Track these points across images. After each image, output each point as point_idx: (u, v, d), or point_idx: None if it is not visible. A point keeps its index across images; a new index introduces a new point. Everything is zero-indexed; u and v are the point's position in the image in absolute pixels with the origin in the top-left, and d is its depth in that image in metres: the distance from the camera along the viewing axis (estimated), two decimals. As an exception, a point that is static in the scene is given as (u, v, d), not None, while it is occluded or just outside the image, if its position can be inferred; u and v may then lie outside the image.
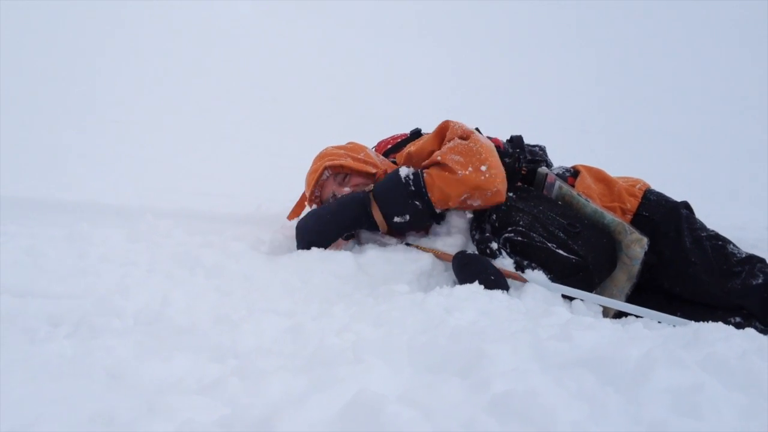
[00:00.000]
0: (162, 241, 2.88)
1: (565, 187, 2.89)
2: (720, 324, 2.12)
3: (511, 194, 2.84)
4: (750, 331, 2.03)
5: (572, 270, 2.67)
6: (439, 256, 2.74)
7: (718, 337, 1.98)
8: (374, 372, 1.36)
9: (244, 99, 6.47)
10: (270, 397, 1.28)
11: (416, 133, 3.23)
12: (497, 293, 2.44)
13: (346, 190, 2.94)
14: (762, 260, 2.73)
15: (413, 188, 2.73)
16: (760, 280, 2.63)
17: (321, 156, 3.05)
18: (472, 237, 2.85)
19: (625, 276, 2.76)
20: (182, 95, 6.25)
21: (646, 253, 2.71)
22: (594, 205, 2.81)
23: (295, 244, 2.84)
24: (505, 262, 2.66)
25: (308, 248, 2.76)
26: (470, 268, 2.55)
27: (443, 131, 2.87)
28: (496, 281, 2.50)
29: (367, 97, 6.98)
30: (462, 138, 2.78)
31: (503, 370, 1.37)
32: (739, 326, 2.42)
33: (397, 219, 2.77)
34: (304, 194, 3.09)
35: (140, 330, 2.03)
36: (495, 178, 2.71)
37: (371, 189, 2.83)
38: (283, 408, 1.13)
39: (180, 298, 2.24)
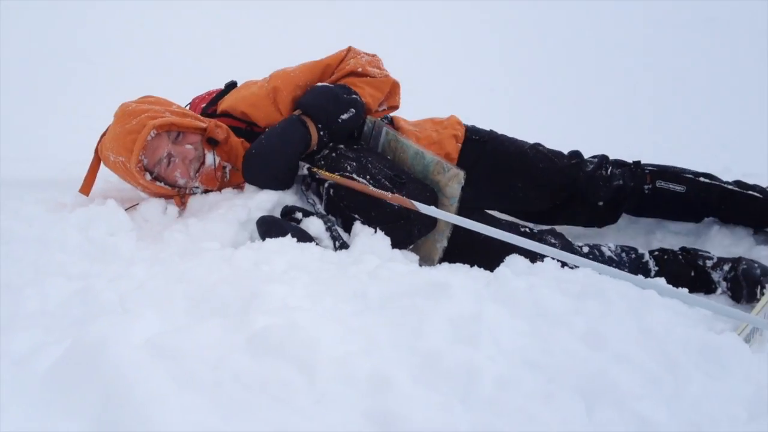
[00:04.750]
0: (-54, 209, 2.61)
1: (392, 133, 2.90)
2: (518, 259, 2.24)
3: (341, 146, 2.82)
4: (544, 266, 2.12)
5: (394, 217, 2.66)
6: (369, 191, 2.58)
7: (515, 271, 2.06)
8: (136, 321, 1.27)
9: (49, 56, 5.94)
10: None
11: (232, 85, 3.08)
12: (311, 246, 2.40)
13: (188, 147, 2.69)
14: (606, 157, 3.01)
15: (344, 87, 2.72)
16: (620, 182, 2.89)
17: (129, 113, 2.74)
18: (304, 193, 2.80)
19: (443, 220, 2.80)
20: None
21: (463, 188, 2.77)
22: (416, 147, 2.83)
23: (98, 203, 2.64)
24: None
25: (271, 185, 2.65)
26: (274, 233, 2.47)
27: (341, 57, 2.89)
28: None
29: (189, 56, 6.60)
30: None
31: (272, 307, 1.32)
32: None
33: (344, 116, 2.68)
34: (94, 162, 2.80)
35: None
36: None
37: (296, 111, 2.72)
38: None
39: (-43, 265, 2.04)
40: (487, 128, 3.09)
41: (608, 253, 2.73)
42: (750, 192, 2.83)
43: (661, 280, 2.24)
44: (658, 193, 2.89)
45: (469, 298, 1.55)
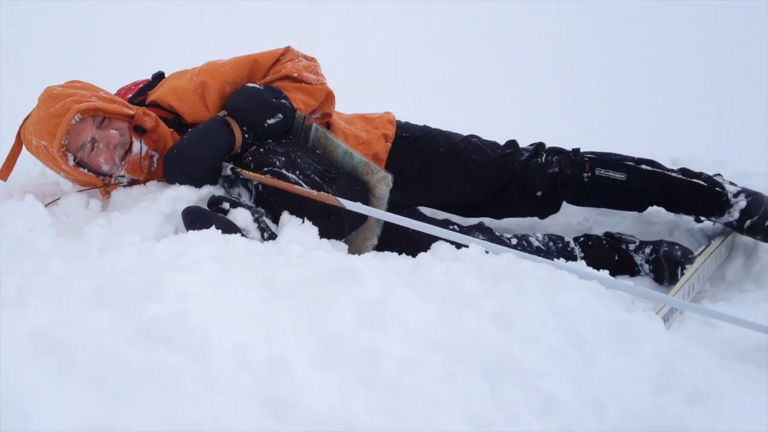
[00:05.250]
0: None
1: (321, 130, 2.89)
2: (444, 246, 2.25)
3: (270, 141, 2.80)
4: (468, 251, 2.14)
5: (324, 212, 2.66)
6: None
7: (438, 257, 2.07)
8: (28, 314, 1.24)
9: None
10: None
11: (159, 76, 3.03)
12: (236, 237, 2.38)
13: (113, 132, 2.63)
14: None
15: (274, 91, 2.67)
16: (555, 169, 2.82)
17: (54, 97, 2.61)
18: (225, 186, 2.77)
19: (374, 219, 2.81)
20: None
21: (391, 191, 2.78)
22: (345, 146, 2.83)
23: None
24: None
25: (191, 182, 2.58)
26: (198, 224, 2.44)
27: (277, 56, 2.84)
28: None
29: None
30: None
31: (168, 296, 1.31)
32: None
33: (270, 121, 2.65)
34: (15, 146, 2.71)
35: None
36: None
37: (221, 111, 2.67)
38: None
39: None
40: (422, 123, 3.05)
41: (536, 243, 2.75)
42: (694, 180, 2.76)
43: (582, 263, 2.28)
44: (597, 182, 2.80)
45: (378, 283, 1.56)
